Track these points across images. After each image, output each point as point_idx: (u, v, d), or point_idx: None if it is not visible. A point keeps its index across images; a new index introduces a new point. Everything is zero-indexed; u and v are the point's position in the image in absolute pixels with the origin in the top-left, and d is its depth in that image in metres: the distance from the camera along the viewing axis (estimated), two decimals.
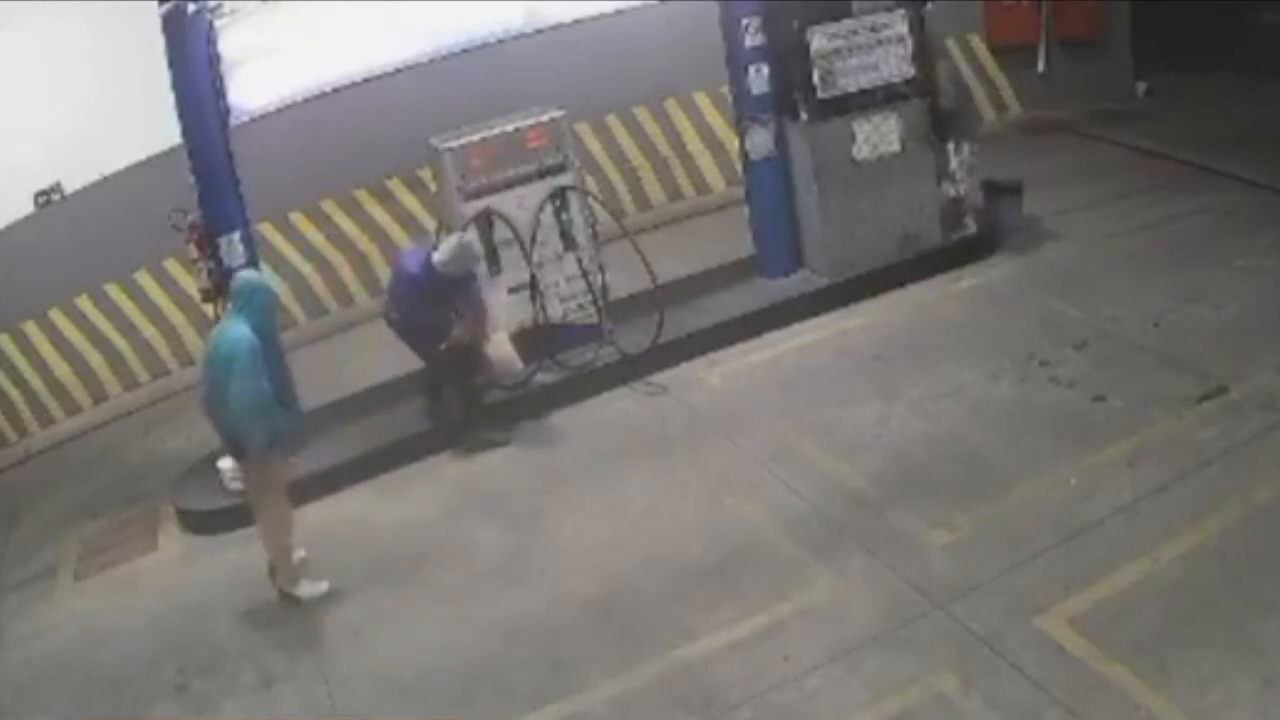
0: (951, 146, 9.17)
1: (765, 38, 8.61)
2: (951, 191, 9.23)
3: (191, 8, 7.09)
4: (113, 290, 9.97)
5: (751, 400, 7.80)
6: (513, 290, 8.13)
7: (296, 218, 10.37)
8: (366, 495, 7.45)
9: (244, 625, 6.44)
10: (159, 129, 7.89)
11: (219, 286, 7.49)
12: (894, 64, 8.76)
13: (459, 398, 7.71)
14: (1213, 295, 7.95)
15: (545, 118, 8.13)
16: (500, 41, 10.04)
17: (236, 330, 6.17)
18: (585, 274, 8.31)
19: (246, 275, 6.70)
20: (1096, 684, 4.88)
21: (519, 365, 7.61)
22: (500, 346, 7.47)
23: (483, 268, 7.98)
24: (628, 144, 11.28)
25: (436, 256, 7.33)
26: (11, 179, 9.14)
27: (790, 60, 8.63)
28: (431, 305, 7.40)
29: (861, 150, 8.80)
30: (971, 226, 9.27)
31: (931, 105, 8.96)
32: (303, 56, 8.76)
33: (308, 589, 6.49)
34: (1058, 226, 9.50)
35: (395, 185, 10.54)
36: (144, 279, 10.02)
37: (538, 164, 8.08)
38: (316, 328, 10.15)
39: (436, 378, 7.80)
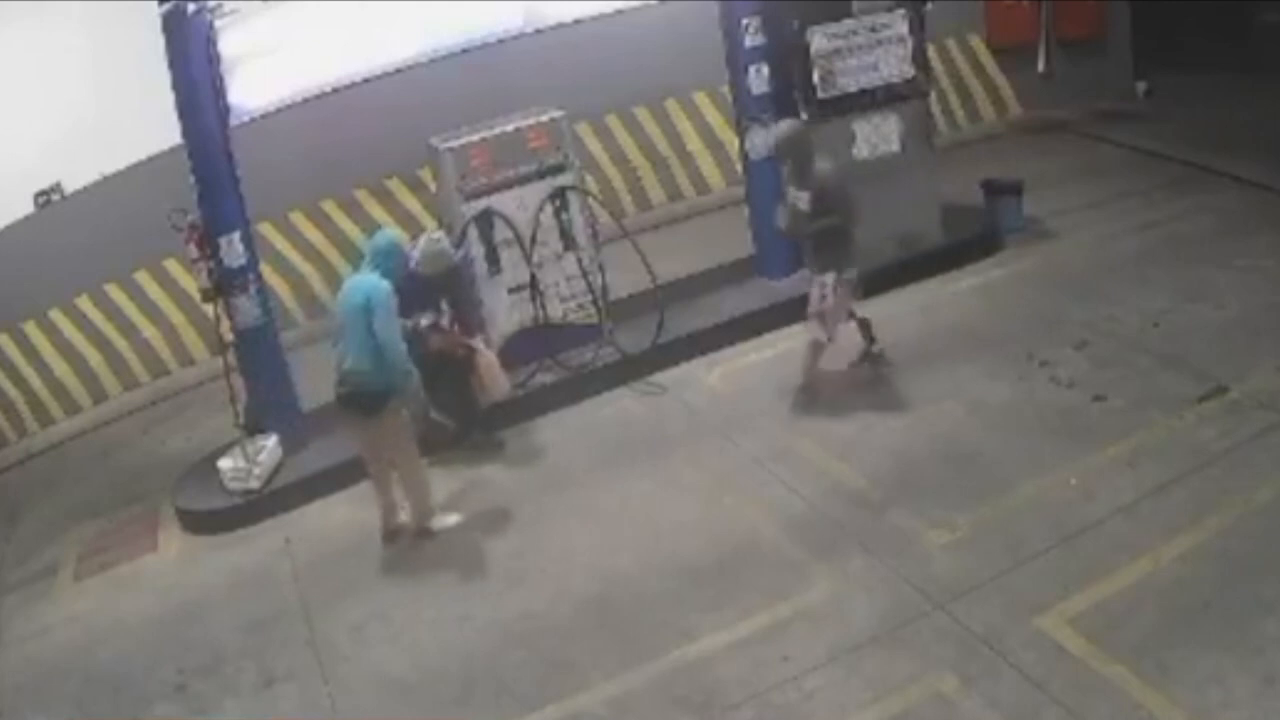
0: (827, 278, 7.27)
1: (765, 38, 8.61)
2: (818, 335, 7.33)
3: (191, 8, 7.09)
4: (113, 290, 9.96)
5: (751, 400, 7.79)
6: (513, 290, 8.15)
7: (296, 218, 10.37)
8: (367, 496, 7.44)
9: (244, 625, 6.44)
10: (159, 129, 7.88)
11: (219, 286, 7.50)
12: (894, 64, 8.78)
13: (458, 401, 7.69)
14: (1213, 295, 7.95)
15: (545, 118, 8.13)
16: (500, 41, 10.00)
17: (372, 279, 6.41)
18: (585, 274, 8.31)
19: (389, 234, 6.82)
20: (1096, 684, 4.88)
21: (506, 387, 7.52)
22: (490, 365, 7.42)
23: (483, 268, 8.00)
24: (628, 144, 11.28)
25: (413, 257, 7.22)
26: (11, 179, 9.13)
27: (790, 60, 8.63)
28: (420, 306, 7.37)
29: (861, 150, 8.81)
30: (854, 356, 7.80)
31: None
32: (303, 56, 8.73)
33: (440, 521, 6.94)
34: (1058, 226, 9.51)
35: (395, 185, 10.54)
36: (144, 279, 10.02)
37: (538, 164, 8.08)
38: (316, 327, 10.13)
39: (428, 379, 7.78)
